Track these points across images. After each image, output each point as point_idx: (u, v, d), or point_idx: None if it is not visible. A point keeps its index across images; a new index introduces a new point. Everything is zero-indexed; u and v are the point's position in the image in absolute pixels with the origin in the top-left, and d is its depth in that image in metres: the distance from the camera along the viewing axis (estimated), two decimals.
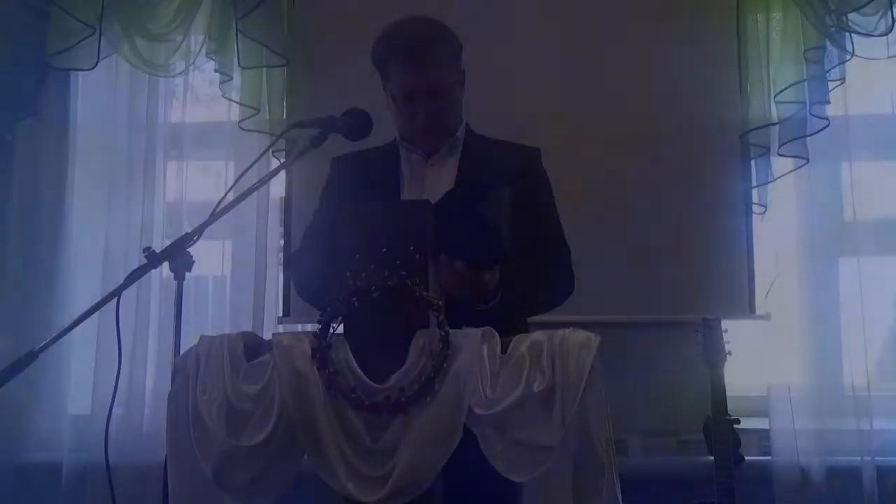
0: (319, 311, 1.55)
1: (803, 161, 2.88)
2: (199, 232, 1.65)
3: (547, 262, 2.03)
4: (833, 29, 2.85)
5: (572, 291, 2.13)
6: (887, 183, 3.03)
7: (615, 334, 2.61)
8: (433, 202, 1.71)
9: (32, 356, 1.45)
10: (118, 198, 3.12)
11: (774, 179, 2.92)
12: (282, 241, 3.15)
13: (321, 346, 1.49)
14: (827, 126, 2.88)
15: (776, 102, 2.90)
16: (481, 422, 1.44)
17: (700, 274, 2.96)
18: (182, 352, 1.59)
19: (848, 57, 2.85)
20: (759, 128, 2.92)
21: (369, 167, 2.15)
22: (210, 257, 3.04)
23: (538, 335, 1.49)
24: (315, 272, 2.00)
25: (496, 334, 1.52)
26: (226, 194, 1.73)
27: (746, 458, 2.75)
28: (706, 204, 3.00)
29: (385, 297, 1.51)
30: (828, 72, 2.88)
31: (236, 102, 3.07)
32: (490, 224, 1.69)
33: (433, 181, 2.09)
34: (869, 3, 2.79)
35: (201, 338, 1.58)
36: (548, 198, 2.17)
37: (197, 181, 3.17)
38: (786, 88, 2.88)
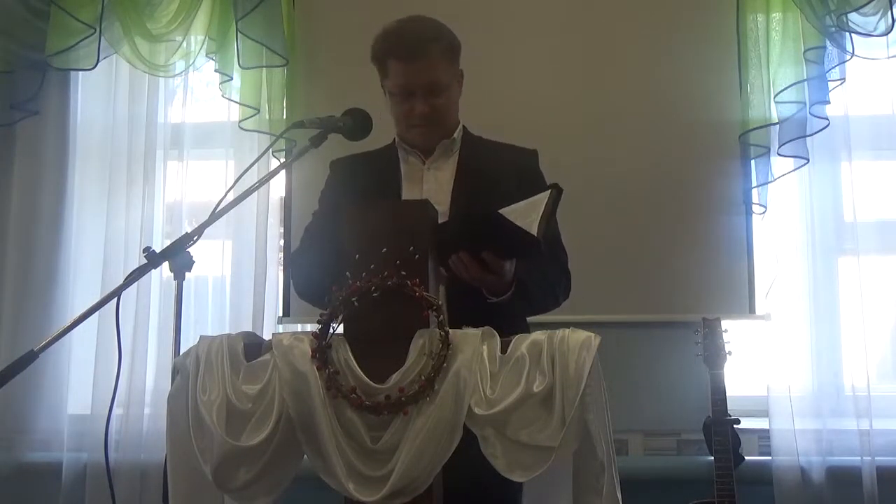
0: (319, 311, 1.54)
1: (803, 161, 2.88)
2: (199, 232, 1.64)
3: (547, 266, 2.04)
4: (833, 29, 2.85)
5: (568, 296, 2.14)
6: (887, 183, 3.03)
7: (615, 334, 2.64)
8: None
9: (32, 356, 1.45)
10: (118, 198, 3.12)
11: (774, 179, 2.92)
12: (282, 241, 3.15)
13: (321, 346, 1.49)
14: (827, 126, 2.88)
15: (776, 102, 2.90)
16: (481, 422, 1.44)
17: (700, 274, 2.97)
18: (182, 352, 1.58)
19: (848, 57, 2.85)
20: (759, 128, 2.92)
21: (368, 170, 2.15)
22: (210, 257, 3.04)
23: (538, 335, 1.49)
24: (313, 272, 2.01)
25: (496, 334, 1.52)
26: (226, 194, 1.72)
27: (746, 458, 2.76)
28: (706, 204, 3.00)
29: (385, 297, 1.51)
30: (828, 72, 2.88)
31: (236, 102, 3.07)
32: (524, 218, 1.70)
33: (432, 183, 2.10)
34: (869, 3, 2.79)
35: (201, 338, 1.57)
36: None
37: (197, 181, 3.17)
38: (786, 88, 2.88)
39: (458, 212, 2.01)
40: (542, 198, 1.73)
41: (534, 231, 1.68)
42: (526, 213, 1.70)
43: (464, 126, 2.19)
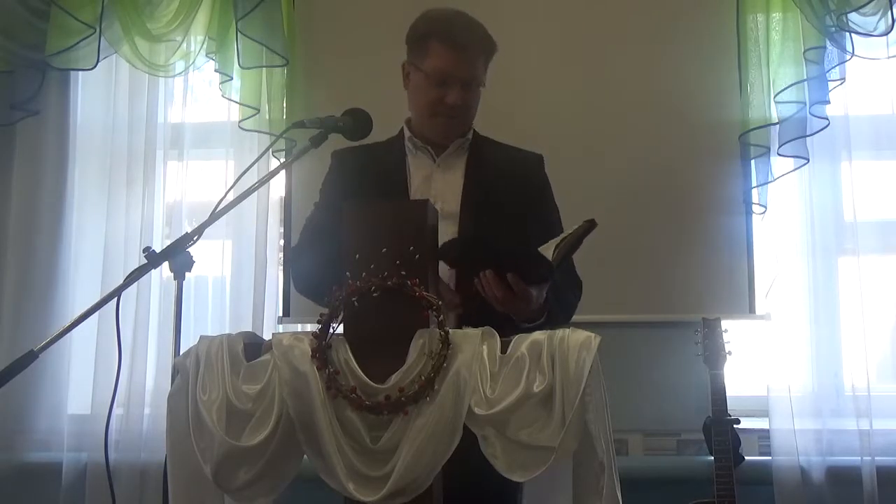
0: (319, 311, 1.54)
1: (803, 161, 2.88)
2: (199, 232, 1.64)
3: (562, 277, 2.04)
4: (833, 29, 2.85)
5: (580, 299, 2.14)
6: (887, 183, 3.03)
7: (615, 334, 2.64)
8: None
9: (32, 356, 1.45)
10: (118, 198, 3.12)
11: (774, 179, 2.92)
12: (282, 241, 3.15)
13: (321, 346, 1.49)
14: (827, 126, 2.88)
15: (776, 102, 2.90)
16: (481, 422, 1.44)
17: (700, 274, 2.96)
18: (182, 352, 1.58)
19: (848, 57, 2.85)
20: (759, 128, 2.92)
21: (374, 164, 2.12)
22: (210, 257, 3.04)
23: (538, 335, 1.49)
24: (313, 269, 2.01)
25: (496, 334, 1.52)
26: (226, 194, 1.72)
27: (746, 458, 2.76)
28: (706, 204, 3.00)
29: (385, 297, 1.51)
30: (828, 72, 2.87)
31: (236, 102, 3.07)
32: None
33: (442, 182, 2.09)
34: (869, 3, 2.79)
35: (201, 338, 1.57)
36: (552, 206, 2.18)
37: (197, 181, 3.17)
38: (786, 88, 2.88)
39: (468, 234, 2.00)
40: (573, 229, 1.73)
41: (549, 256, 1.68)
42: (550, 244, 1.70)
43: (473, 128, 2.18)
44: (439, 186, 2.08)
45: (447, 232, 2.02)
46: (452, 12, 2.07)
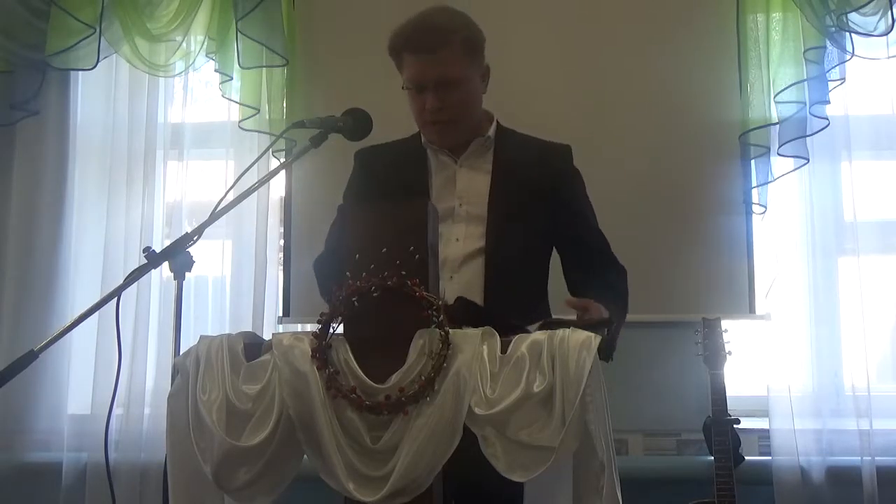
0: (319, 311, 1.54)
1: (803, 161, 2.87)
2: (199, 232, 1.64)
3: (614, 275, 2.05)
4: (833, 29, 2.85)
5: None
6: (887, 183, 3.03)
7: None
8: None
9: (32, 356, 1.45)
10: (118, 198, 3.12)
11: (774, 179, 2.92)
12: (282, 241, 3.15)
13: (321, 346, 1.49)
14: (827, 126, 2.87)
15: (776, 102, 2.90)
16: (481, 422, 1.44)
17: (700, 274, 2.96)
18: (182, 352, 1.59)
19: (848, 57, 2.85)
20: (759, 128, 2.92)
21: (397, 165, 2.10)
22: (210, 257, 3.04)
23: (538, 335, 1.49)
24: (331, 272, 1.99)
25: (496, 334, 1.52)
26: (226, 194, 1.73)
27: (746, 458, 2.76)
28: (706, 204, 3.00)
29: (385, 297, 1.51)
30: (828, 72, 2.87)
31: (236, 102, 3.07)
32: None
33: (466, 183, 2.06)
34: (869, 3, 2.79)
35: (201, 338, 1.58)
36: (581, 195, 2.17)
37: (197, 181, 3.17)
38: (786, 88, 2.88)
39: (495, 243, 2.01)
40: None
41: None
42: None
43: (497, 121, 2.15)
44: (463, 188, 2.05)
45: (474, 235, 2.02)
46: (423, 15, 2.01)
